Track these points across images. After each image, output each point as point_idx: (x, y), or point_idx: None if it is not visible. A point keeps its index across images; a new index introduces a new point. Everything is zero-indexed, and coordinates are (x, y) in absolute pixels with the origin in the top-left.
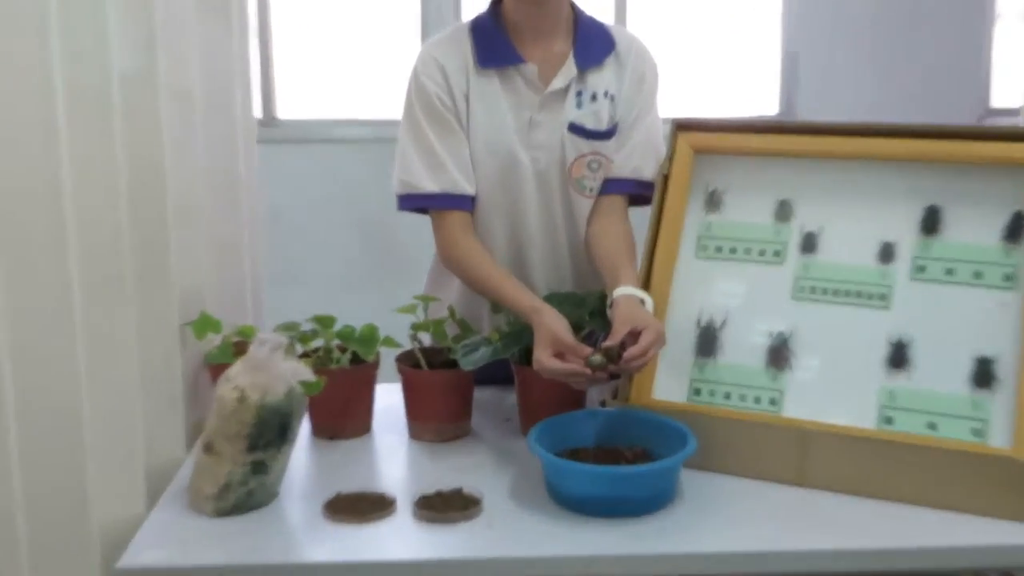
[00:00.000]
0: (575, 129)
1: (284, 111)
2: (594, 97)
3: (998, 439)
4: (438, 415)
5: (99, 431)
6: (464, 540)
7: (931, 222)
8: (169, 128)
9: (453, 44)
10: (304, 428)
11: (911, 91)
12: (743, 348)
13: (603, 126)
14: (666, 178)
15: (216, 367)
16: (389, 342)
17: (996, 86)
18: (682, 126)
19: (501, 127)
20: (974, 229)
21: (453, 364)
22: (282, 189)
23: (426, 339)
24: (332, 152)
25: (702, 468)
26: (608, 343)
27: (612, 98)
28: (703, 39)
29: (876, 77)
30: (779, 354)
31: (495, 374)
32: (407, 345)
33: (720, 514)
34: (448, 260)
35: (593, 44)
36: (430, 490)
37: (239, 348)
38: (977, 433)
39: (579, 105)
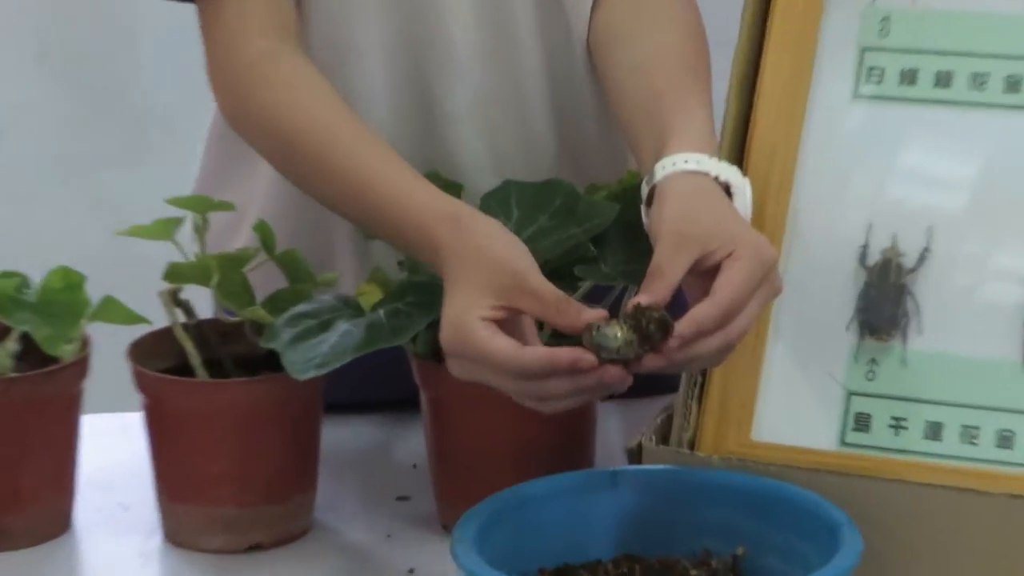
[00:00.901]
0: None
1: None
2: None
3: None
4: (231, 487)
5: None
6: None
7: None
8: None
9: None
10: None
11: None
12: (971, 316)
13: None
14: None
15: None
16: (113, 311)
17: None
18: None
19: None
20: None
21: (270, 364)
22: None
23: (203, 303)
24: None
25: None
26: (642, 298)
27: None
28: None
29: None
30: None
31: (374, 387)
32: (156, 318)
33: None
34: (236, 109)
35: None
36: None
37: None
38: None
39: None
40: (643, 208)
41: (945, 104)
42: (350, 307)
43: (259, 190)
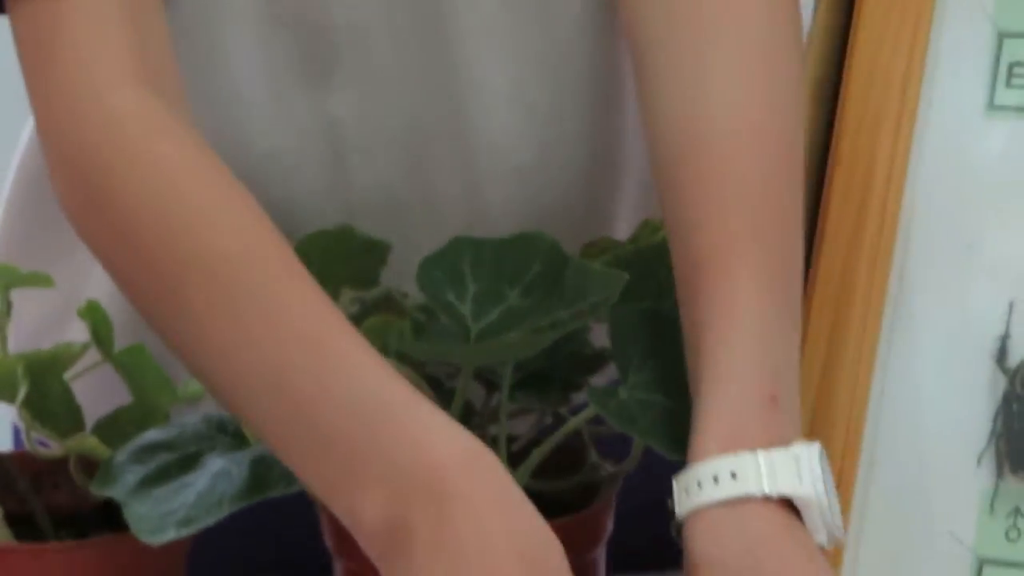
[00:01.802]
0: None
1: None
2: None
3: None
4: None
5: None
6: None
7: None
8: None
9: None
10: None
11: None
12: None
13: None
14: None
15: None
16: None
17: None
18: None
19: None
20: None
21: (107, 519)
22: None
23: (3, 429)
24: None
25: None
26: None
27: None
28: None
29: None
30: None
31: (265, 552)
32: None
33: None
34: (97, 206)
35: None
36: None
37: None
38: None
39: None
40: (672, 525)
41: None
42: (227, 434)
43: (95, 265)
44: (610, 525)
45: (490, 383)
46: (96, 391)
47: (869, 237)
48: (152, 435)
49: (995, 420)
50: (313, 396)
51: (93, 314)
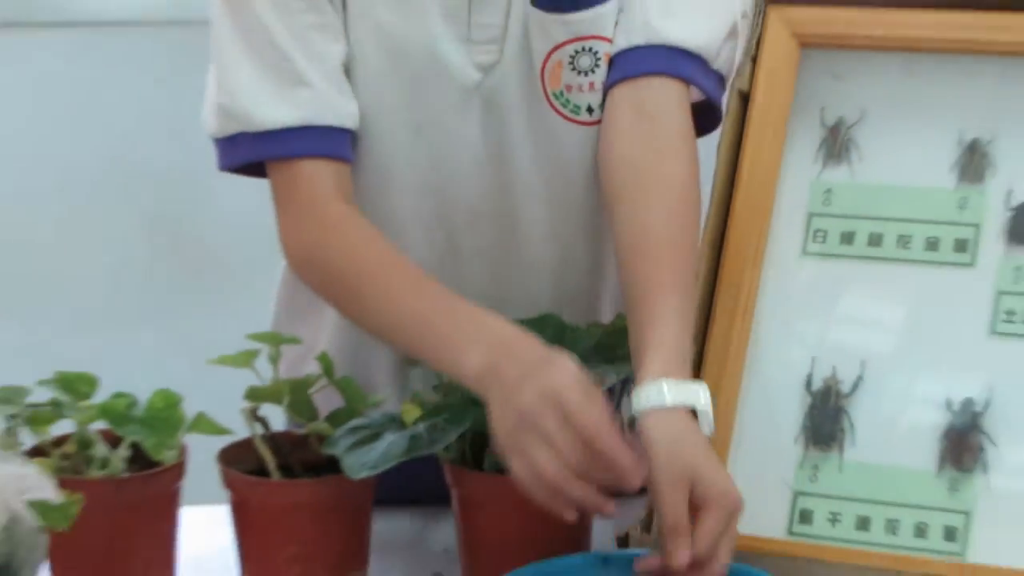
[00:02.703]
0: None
1: None
2: None
3: None
4: (301, 566)
5: None
6: None
7: None
8: None
9: None
10: None
11: None
12: (894, 433)
13: None
14: (745, 96)
15: None
16: (204, 424)
17: None
18: None
19: (413, 5)
20: None
21: (330, 467)
22: None
23: (277, 418)
24: (66, 47)
25: None
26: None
27: None
28: None
29: None
30: (964, 443)
31: (414, 485)
32: (239, 429)
33: None
34: (311, 261)
35: None
36: None
37: None
38: None
39: None
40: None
41: (877, 260)
42: (395, 422)
43: (324, 329)
44: None
45: None
46: (325, 400)
47: (738, 318)
48: (355, 422)
49: (805, 417)
50: (431, 320)
51: (323, 359)
